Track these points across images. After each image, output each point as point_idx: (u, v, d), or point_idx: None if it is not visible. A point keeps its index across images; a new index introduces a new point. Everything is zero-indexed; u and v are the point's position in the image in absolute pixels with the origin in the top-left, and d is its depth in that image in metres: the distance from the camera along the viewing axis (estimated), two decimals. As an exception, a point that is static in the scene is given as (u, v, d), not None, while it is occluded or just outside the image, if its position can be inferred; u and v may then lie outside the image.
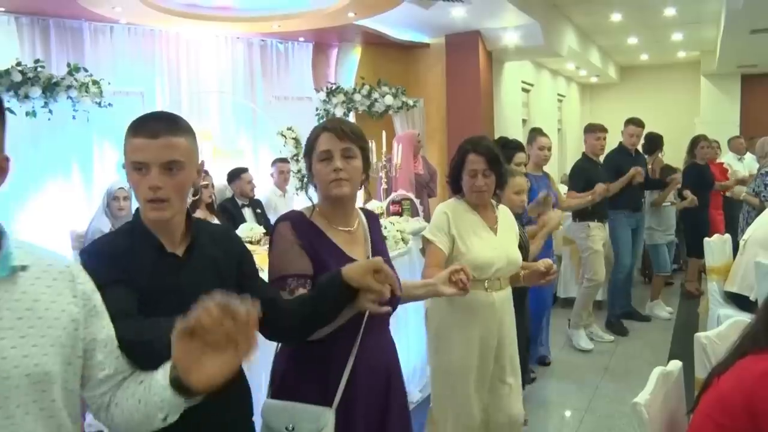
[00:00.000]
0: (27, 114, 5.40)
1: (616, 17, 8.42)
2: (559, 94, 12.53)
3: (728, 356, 1.56)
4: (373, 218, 2.07)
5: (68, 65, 5.67)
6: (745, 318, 2.35)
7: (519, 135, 9.86)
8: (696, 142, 6.59)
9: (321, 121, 7.49)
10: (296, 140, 7.05)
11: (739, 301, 4.02)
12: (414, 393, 3.93)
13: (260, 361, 2.26)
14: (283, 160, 6.35)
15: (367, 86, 7.62)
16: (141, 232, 1.56)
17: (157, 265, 1.53)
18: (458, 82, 7.90)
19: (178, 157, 1.51)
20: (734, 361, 1.51)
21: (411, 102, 7.83)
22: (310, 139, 1.90)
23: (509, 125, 9.11)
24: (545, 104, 11.41)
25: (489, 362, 2.69)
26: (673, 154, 6.97)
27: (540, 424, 3.87)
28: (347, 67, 8.01)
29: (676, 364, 1.96)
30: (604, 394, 4.25)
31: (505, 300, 2.72)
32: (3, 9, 5.57)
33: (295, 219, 1.89)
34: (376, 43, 7.87)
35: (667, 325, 5.77)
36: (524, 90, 10.36)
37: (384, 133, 5.78)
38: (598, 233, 5.17)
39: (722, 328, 2.24)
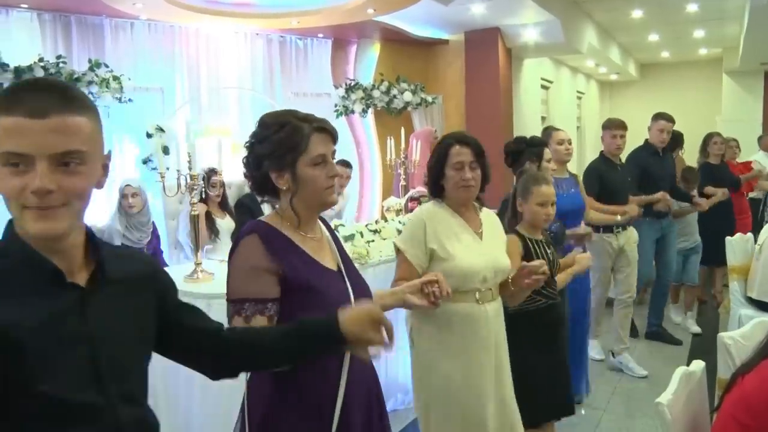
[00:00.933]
0: (49, 109, 5.45)
1: (637, 14, 8.33)
2: (578, 92, 12.44)
3: (753, 356, 1.54)
4: (327, 224, 1.90)
5: (89, 61, 5.72)
6: (769, 318, 2.32)
7: (537, 132, 9.82)
8: (708, 139, 6.16)
9: (340, 117, 7.53)
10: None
11: (760, 302, 3.97)
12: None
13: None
14: (345, 165, 5.97)
15: (386, 82, 7.61)
16: (20, 255, 1.07)
17: (51, 303, 1.05)
18: (477, 78, 7.86)
19: (79, 146, 1.07)
20: (759, 362, 1.49)
21: (430, 98, 7.81)
22: (296, 140, 1.65)
23: (528, 122, 9.06)
24: (564, 102, 11.33)
25: (490, 389, 2.37)
26: (694, 154, 6.86)
27: (559, 423, 3.85)
28: (366, 63, 8.00)
29: (698, 365, 1.94)
30: (622, 394, 4.22)
31: (498, 312, 2.44)
32: (26, 6, 5.63)
33: (263, 231, 1.67)
34: (395, 39, 7.85)
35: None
36: (543, 87, 10.29)
37: (403, 130, 5.77)
38: (603, 246, 4.50)
39: (746, 328, 2.22)
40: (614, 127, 4.63)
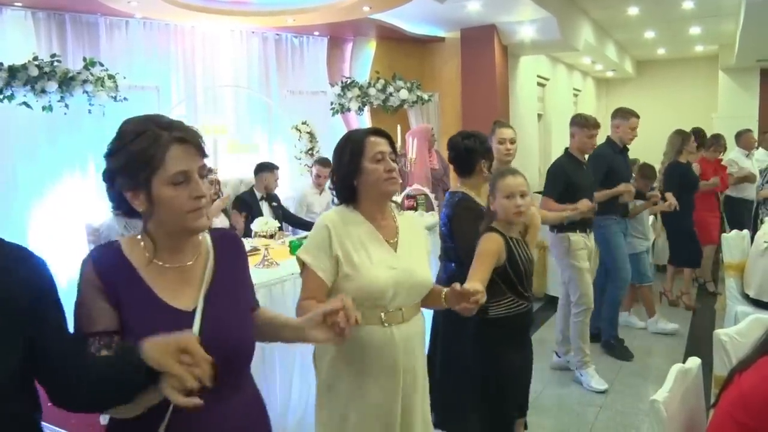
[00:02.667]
0: (43, 109, 5.43)
1: (633, 11, 8.33)
2: (574, 89, 12.44)
3: (751, 354, 1.53)
4: (230, 244, 1.61)
5: (84, 60, 5.70)
6: (765, 315, 2.32)
7: (534, 130, 9.83)
8: (686, 138, 5.94)
9: (336, 115, 7.52)
10: (311, 134, 7.06)
11: (757, 299, 3.98)
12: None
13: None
14: (324, 164, 5.87)
15: (381, 80, 7.60)
16: None
17: None
18: (473, 76, 7.85)
19: None
20: (757, 359, 1.49)
21: (426, 96, 7.81)
22: (150, 153, 1.39)
23: (524, 120, 9.05)
24: (561, 99, 11.33)
25: (394, 422, 2.09)
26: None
27: (555, 421, 3.85)
28: (362, 61, 7.99)
29: (694, 362, 1.94)
30: (619, 391, 4.22)
31: (411, 336, 2.11)
32: (20, 4, 5.60)
33: (100, 256, 1.44)
34: (390, 37, 7.84)
35: (683, 321, 5.71)
36: (540, 84, 10.29)
37: (399, 128, 5.76)
38: (583, 246, 4.27)
39: (742, 325, 2.21)
40: (591, 126, 4.32)
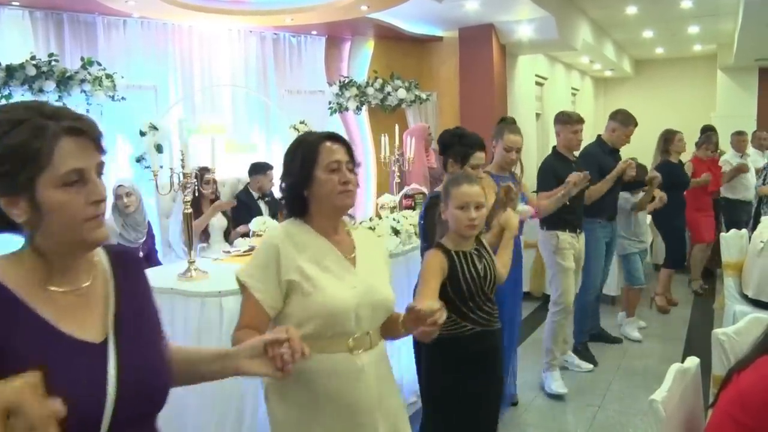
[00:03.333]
0: (41, 108, 5.43)
1: (631, 10, 8.32)
2: (573, 88, 12.44)
3: (749, 353, 1.53)
4: (130, 263, 1.34)
5: (82, 59, 5.70)
6: (764, 315, 2.32)
7: (532, 129, 9.82)
8: (671, 136, 5.84)
9: (334, 114, 7.51)
10: (309, 134, 7.04)
11: (755, 299, 3.97)
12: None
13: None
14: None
15: (380, 80, 7.60)
16: None
17: None
18: (471, 75, 7.85)
19: None
20: (755, 358, 1.49)
21: (424, 96, 7.80)
22: (34, 149, 1.10)
23: (523, 119, 9.03)
24: (559, 98, 11.33)
25: None
26: (689, 150, 6.86)
27: (553, 421, 3.85)
28: (360, 60, 7.99)
29: (693, 361, 1.94)
30: (617, 391, 4.22)
31: (379, 362, 1.89)
32: (18, 4, 5.60)
33: None
34: (389, 36, 7.83)
35: (682, 321, 5.71)
36: (538, 84, 10.28)
37: (397, 127, 5.76)
38: (570, 246, 4.21)
39: (740, 324, 2.21)
40: (574, 122, 4.30)
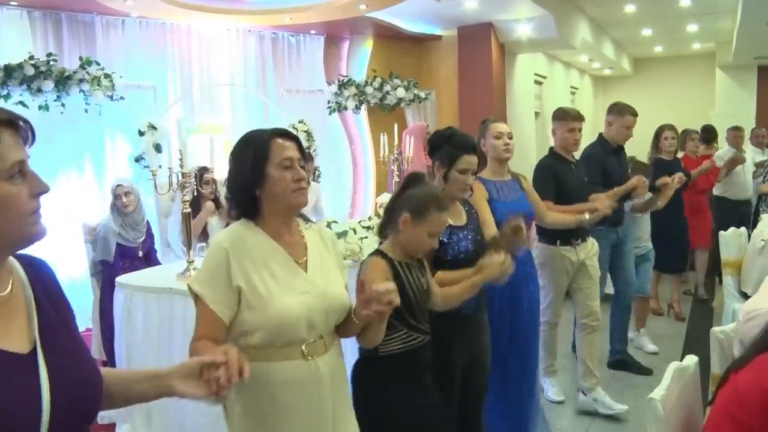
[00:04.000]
0: (40, 108, 5.43)
1: (630, 8, 8.32)
2: (572, 87, 12.44)
3: (747, 351, 1.53)
4: (43, 272, 1.25)
5: (80, 59, 5.70)
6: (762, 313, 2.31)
7: (531, 128, 9.82)
8: (659, 133, 5.43)
9: (333, 114, 7.51)
10: (308, 133, 7.05)
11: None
12: None
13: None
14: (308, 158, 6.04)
15: (378, 79, 7.60)
16: None
17: None
18: (470, 74, 7.85)
19: None
20: (753, 357, 1.48)
21: (423, 94, 7.80)
22: None
23: (522, 118, 9.05)
24: (558, 97, 11.33)
25: None
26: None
27: (551, 418, 3.85)
28: (359, 59, 7.99)
29: (692, 359, 1.94)
30: (616, 389, 4.22)
31: (335, 368, 1.84)
32: (16, 3, 5.59)
33: None
34: (387, 35, 7.83)
35: (681, 319, 5.71)
36: (537, 82, 10.28)
37: (396, 126, 5.76)
38: (561, 263, 3.78)
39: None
40: (571, 119, 3.83)
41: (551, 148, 3.99)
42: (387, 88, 7.56)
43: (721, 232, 4.35)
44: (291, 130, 7.36)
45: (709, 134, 5.91)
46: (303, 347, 1.75)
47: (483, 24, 7.59)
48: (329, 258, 1.93)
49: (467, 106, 7.86)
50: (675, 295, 5.79)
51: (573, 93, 12.56)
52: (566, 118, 3.84)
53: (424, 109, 7.96)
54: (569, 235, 3.74)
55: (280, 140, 1.80)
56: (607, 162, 4.21)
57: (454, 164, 2.59)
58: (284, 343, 1.73)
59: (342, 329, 1.90)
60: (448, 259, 2.54)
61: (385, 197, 5.08)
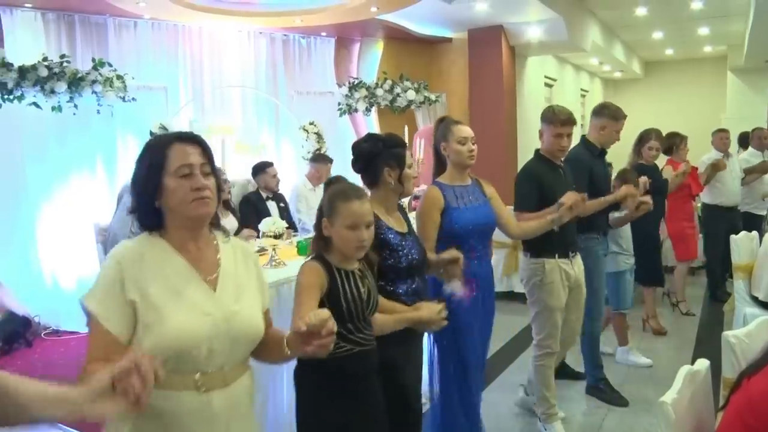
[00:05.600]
0: (53, 109, 5.48)
1: (641, 11, 8.31)
2: (582, 90, 12.42)
3: (760, 357, 1.53)
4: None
5: (93, 60, 5.74)
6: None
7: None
8: (644, 138, 5.06)
9: (343, 116, 7.52)
10: (318, 135, 7.07)
11: (766, 302, 3.96)
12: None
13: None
14: (325, 160, 5.99)
15: (389, 81, 7.61)
16: None
17: None
18: (481, 77, 7.85)
19: None
20: (766, 363, 1.48)
21: (433, 97, 7.81)
22: None
23: (532, 121, 9.02)
24: (568, 100, 11.31)
25: None
26: (699, 152, 6.80)
27: (563, 424, 3.84)
28: (369, 61, 8.00)
29: (703, 363, 1.93)
30: (626, 393, 4.20)
31: (236, 404, 1.64)
32: (30, 5, 5.64)
33: None
34: (398, 37, 7.85)
35: (692, 323, 5.69)
36: (547, 85, 10.27)
37: (406, 128, 5.78)
38: (560, 277, 3.42)
39: (751, 327, 2.20)
40: (559, 123, 3.44)
41: (537, 151, 3.61)
42: (397, 90, 7.57)
43: (733, 236, 4.32)
44: (301, 132, 7.41)
45: (672, 142, 5.30)
46: (197, 377, 1.55)
47: (493, 26, 7.59)
48: (248, 278, 1.74)
49: (477, 109, 7.86)
50: (652, 310, 5.41)
51: (583, 96, 12.54)
52: (554, 121, 3.45)
53: (435, 111, 7.96)
54: (565, 246, 3.43)
55: (179, 145, 1.61)
56: (594, 166, 3.92)
57: (404, 163, 2.55)
58: (176, 370, 1.52)
59: (269, 356, 1.74)
60: (403, 266, 2.46)
61: (396, 199, 5.08)
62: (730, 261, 4.81)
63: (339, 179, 2.30)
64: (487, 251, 3.08)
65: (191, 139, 1.65)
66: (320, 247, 2.17)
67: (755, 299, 4.04)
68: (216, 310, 1.59)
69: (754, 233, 4.41)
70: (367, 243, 2.11)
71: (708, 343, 5.00)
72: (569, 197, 3.05)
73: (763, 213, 6.61)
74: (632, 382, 4.40)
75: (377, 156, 2.53)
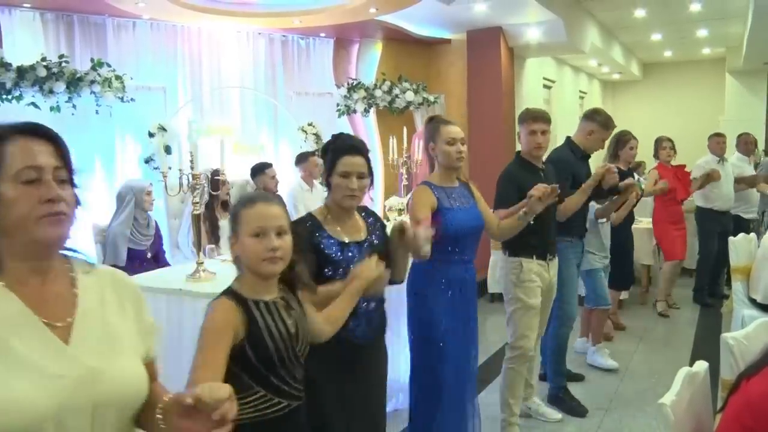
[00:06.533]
0: (51, 109, 5.48)
1: (639, 13, 8.32)
2: (580, 91, 12.42)
3: (759, 359, 1.53)
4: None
5: (92, 60, 5.73)
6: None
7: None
8: (623, 141, 4.93)
9: (342, 116, 7.52)
10: (317, 136, 7.07)
11: (764, 304, 3.96)
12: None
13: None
14: (306, 156, 6.08)
15: (387, 82, 7.61)
16: None
17: None
18: (479, 78, 7.85)
19: None
20: (765, 365, 1.48)
21: (432, 98, 7.81)
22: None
23: (530, 122, 9.04)
24: (567, 101, 11.32)
25: None
26: (697, 154, 6.80)
27: (560, 425, 3.84)
28: (368, 62, 8.00)
29: (702, 365, 1.93)
30: (624, 395, 4.21)
31: None
32: (29, 5, 5.64)
33: None
34: (397, 38, 7.84)
35: (688, 325, 5.70)
36: (546, 87, 10.28)
37: (405, 129, 5.78)
38: (537, 278, 3.39)
39: (750, 329, 2.21)
40: (531, 119, 3.41)
41: (518, 153, 3.59)
42: (396, 91, 7.57)
43: (731, 238, 4.34)
44: (300, 132, 7.45)
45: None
46: None
47: (492, 28, 7.59)
48: (122, 321, 1.29)
49: (476, 110, 7.85)
50: (613, 307, 5.24)
51: (582, 97, 12.54)
52: (526, 118, 3.44)
53: (433, 112, 7.95)
54: (544, 248, 3.42)
55: (23, 141, 1.19)
56: (576, 168, 3.90)
57: (334, 167, 2.27)
58: None
59: (149, 424, 1.26)
60: (339, 280, 2.16)
61: (394, 201, 5.10)
62: (720, 264, 4.80)
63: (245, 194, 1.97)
64: (474, 255, 2.98)
65: (41, 132, 1.23)
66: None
67: (753, 301, 4.06)
68: (69, 370, 1.14)
69: (752, 235, 4.43)
70: (281, 253, 1.70)
71: (705, 346, 5.01)
72: (538, 189, 2.89)
73: (751, 216, 6.66)
74: (629, 383, 4.40)
75: (325, 155, 2.37)
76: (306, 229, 2.18)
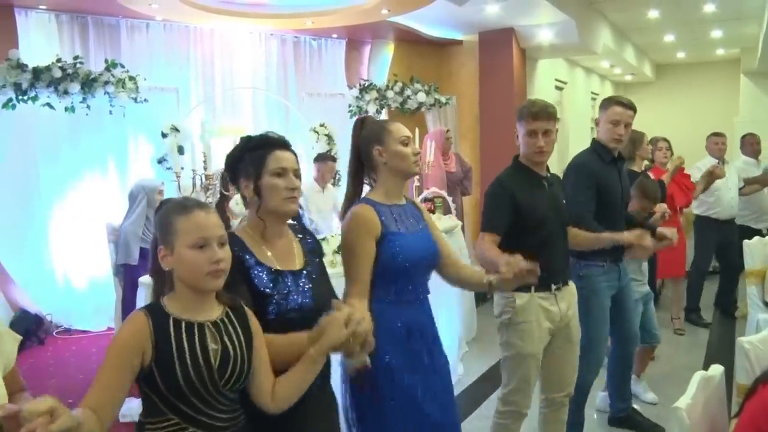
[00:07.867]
0: (66, 109, 5.53)
1: (653, 14, 8.27)
2: (592, 93, 12.37)
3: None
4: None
5: (106, 61, 5.78)
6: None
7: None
8: (640, 141, 4.46)
9: (354, 118, 7.53)
10: (329, 137, 7.08)
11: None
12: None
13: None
14: (326, 159, 6.04)
15: (399, 83, 7.61)
16: None
17: None
18: (491, 79, 7.84)
19: None
20: (783, 369, 1.47)
21: (444, 99, 7.80)
22: None
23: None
24: (579, 103, 11.28)
25: None
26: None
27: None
28: (380, 63, 8.01)
29: (717, 369, 1.92)
30: (637, 398, 4.18)
31: None
32: (44, 7, 5.69)
33: None
34: (409, 40, 7.85)
35: (703, 330, 5.64)
36: (557, 88, 10.24)
37: (417, 130, 5.77)
38: (535, 317, 2.62)
39: (765, 333, 2.19)
40: (530, 116, 2.62)
41: (515, 158, 2.77)
42: (408, 92, 7.57)
43: (746, 241, 4.26)
44: (312, 133, 7.50)
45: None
46: None
47: (504, 29, 7.58)
48: None
49: (488, 111, 7.85)
50: None
51: (594, 99, 12.49)
52: (524, 115, 2.63)
53: (445, 113, 7.96)
54: (547, 276, 2.42)
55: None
56: (602, 175, 3.13)
57: (263, 165, 1.81)
58: None
59: None
60: (271, 318, 1.74)
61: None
62: (729, 278, 4.53)
63: (169, 200, 1.67)
64: (427, 291, 2.27)
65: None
66: (158, 290, 1.61)
67: (768, 305, 4.01)
68: None
69: (767, 238, 4.37)
70: (225, 265, 1.54)
71: (719, 350, 4.97)
72: (510, 265, 2.10)
73: (763, 226, 6.07)
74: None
75: (238, 165, 1.87)
76: (233, 255, 1.63)
